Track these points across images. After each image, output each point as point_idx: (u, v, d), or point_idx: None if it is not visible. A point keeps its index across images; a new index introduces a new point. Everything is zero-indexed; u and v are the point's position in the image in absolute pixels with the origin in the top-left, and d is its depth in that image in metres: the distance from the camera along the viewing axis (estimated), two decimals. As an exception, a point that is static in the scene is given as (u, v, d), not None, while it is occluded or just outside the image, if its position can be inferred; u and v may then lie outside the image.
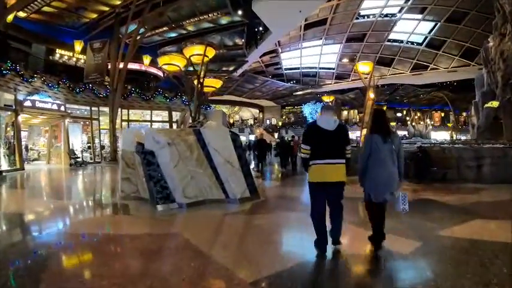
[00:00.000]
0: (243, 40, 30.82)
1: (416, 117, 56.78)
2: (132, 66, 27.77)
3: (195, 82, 17.13)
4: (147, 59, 30.09)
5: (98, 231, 5.93)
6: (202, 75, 16.75)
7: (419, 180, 11.45)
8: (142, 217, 7.02)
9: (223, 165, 7.80)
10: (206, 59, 16.00)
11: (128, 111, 26.81)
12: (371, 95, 16.03)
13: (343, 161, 4.35)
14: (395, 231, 5.39)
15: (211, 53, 16.11)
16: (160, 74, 31.42)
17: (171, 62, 16.35)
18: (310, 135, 4.38)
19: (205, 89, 18.26)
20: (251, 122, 63.81)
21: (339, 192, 4.47)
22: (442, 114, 59.84)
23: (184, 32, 29.68)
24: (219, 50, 17.08)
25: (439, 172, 12.00)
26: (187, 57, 15.90)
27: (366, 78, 17.77)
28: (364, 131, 15.68)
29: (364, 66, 16.98)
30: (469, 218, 6.43)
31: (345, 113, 60.92)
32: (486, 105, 21.15)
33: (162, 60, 16.60)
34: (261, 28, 30.20)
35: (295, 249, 4.87)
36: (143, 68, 31.23)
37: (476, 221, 6.33)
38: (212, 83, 19.34)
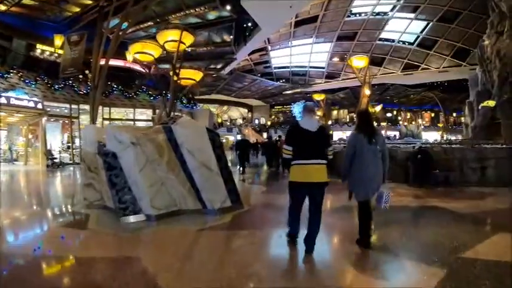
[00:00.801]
0: (231, 37, 29.61)
1: (407, 117, 56.49)
2: (116, 62, 26.42)
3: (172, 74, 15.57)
4: (130, 55, 28.65)
5: (34, 251, 4.60)
6: (177, 65, 15.29)
7: (420, 184, 10.52)
8: (99, 233, 5.72)
9: (199, 170, 6.58)
10: (182, 46, 14.55)
11: (110, 110, 25.52)
12: (366, 91, 14.94)
13: (325, 161, 4.41)
14: (410, 253, 4.51)
15: (188, 39, 14.75)
16: (145, 71, 30.13)
17: (144, 51, 14.93)
18: (292, 136, 4.48)
19: (183, 82, 16.72)
20: (240, 121, 62.78)
21: (320, 193, 4.46)
22: (432, 115, 60.17)
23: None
24: (196, 36, 15.46)
25: (441, 175, 11.08)
26: (161, 44, 14.48)
27: (361, 74, 16.66)
28: None
29: (358, 61, 15.89)
30: (490, 232, 5.56)
31: (334, 112, 60.40)
32: (482, 104, 20.62)
33: (133, 49, 15.21)
34: (250, 24, 29.02)
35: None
36: (127, 65, 29.80)
37: (500, 235, 5.35)
38: (190, 75, 17.26)
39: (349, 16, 34.80)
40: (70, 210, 7.84)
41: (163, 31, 14.56)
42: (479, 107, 20.78)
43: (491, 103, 19.89)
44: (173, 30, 14.41)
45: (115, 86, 25.40)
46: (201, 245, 5.20)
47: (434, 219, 6.53)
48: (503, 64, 19.01)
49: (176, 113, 14.95)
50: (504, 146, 12.69)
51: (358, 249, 4.69)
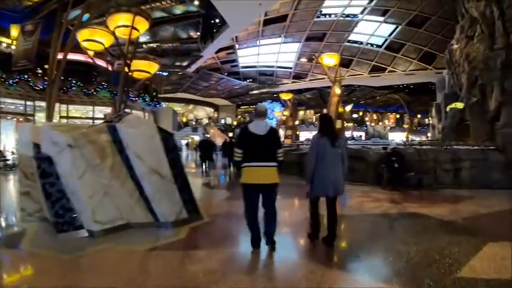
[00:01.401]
0: (198, 33, 28.63)
1: (374, 118, 57.43)
2: (76, 56, 24.85)
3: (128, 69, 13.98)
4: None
5: None
6: (129, 55, 13.65)
7: (393, 188, 10.02)
8: (32, 254, 4.64)
9: (148, 177, 5.52)
10: (136, 33, 13.05)
11: (68, 107, 23.97)
12: (337, 90, 14.43)
13: (275, 164, 4.48)
14: (400, 273, 3.85)
15: (142, 25, 13.15)
16: (109, 66, 28.65)
17: (93, 38, 13.19)
18: (242, 139, 4.58)
19: (136, 74, 15.05)
20: (206, 121, 61.76)
21: (272, 194, 4.55)
22: (397, 116, 61.57)
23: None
24: (152, 22, 14.08)
25: (414, 177, 10.66)
26: (112, 29, 12.84)
27: (331, 73, 16.15)
28: None
29: (329, 59, 15.33)
30: (480, 242, 4.96)
31: (301, 113, 60.49)
32: (450, 106, 20.92)
33: (81, 36, 13.40)
34: (217, 21, 28.12)
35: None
36: (89, 60, 28.06)
37: (490, 245, 4.85)
38: (144, 66, 15.44)
39: (319, 17, 34.69)
40: (3, 224, 6.66)
41: (113, 15, 12.69)
42: (448, 109, 21.05)
43: (459, 105, 20.20)
44: (125, 14, 12.56)
45: (74, 81, 23.84)
46: (148, 272, 4.05)
47: (418, 229, 5.93)
48: (471, 67, 19.35)
49: (126, 110, 13.45)
50: (477, 147, 12.62)
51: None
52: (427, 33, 35.68)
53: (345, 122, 58.81)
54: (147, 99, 25.47)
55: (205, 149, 16.25)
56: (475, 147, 12.54)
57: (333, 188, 4.70)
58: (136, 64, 14.50)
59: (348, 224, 6.23)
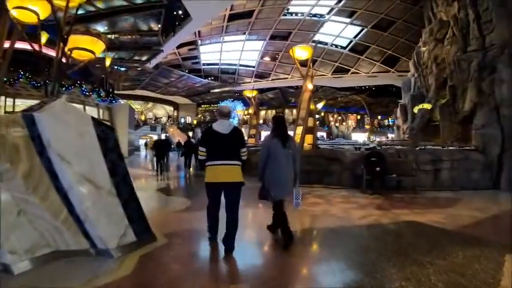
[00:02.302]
0: (159, 25, 26.66)
1: (339, 118, 58.04)
2: (25, 46, 22.70)
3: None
4: (44, 37, 24.61)
5: None
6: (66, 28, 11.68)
7: (374, 191, 9.24)
8: None
9: (79, 187, 3.94)
10: (73, 2, 11.34)
11: (14, 101, 21.75)
12: (309, 85, 13.45)
13: (238, 162, 4.49)
14: None
15: None
16: (63, 59, 26.51)
17: (24, 5, 11.02)
18: (206, 138, 4.55)
19: (76, 55, 12.94)
20: (165, 120, 59.79)
21: (235, 192, 4.51)
22: (358, 117, 62.30)
23: (92, 9, 24.95)
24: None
25: (393, 179, 9.93)
26: None
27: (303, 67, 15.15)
28: (299, 129, 13.18)
29: (301, 51, 14.25)
30: (497, 255, 4.35)
31: (262, 112, 59.80)
32: (418, 107, 21.19)
33: (10, 3, 11.08)
34: (180, 12, 26.60)
35: None
36: (43, 50, 25.66)
37: (509, 258, 4.21)
38: (86, 44, 13.26)
39: (285, 15, 34.01)
40: None
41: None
42: (416, 110, 21.30)
43: (427, 106, 20.50)
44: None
45: (21, 73, 21.67)
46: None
47: (424, 243, 4.96)
48: (440, 69, 19.64)
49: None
50: (458, 147, 12.41)
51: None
52: (392, 37, 36.15)
53: (316, 121, 59.10)
54: (102, 94, 23.55)
55: (161, 148, 15.78)
56: (458, 148, 12.31)
57: (287, 188, 4.83)
58: (76, 40, 12.36)
59: (341, 241, 5.12)
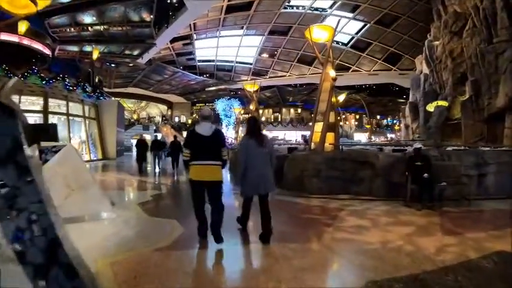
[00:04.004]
0: (151, 16, 24.83)
1: (343, 117, 57.08)
2: (6, 37, 20.76)
3: None
4: (23, 25, 22.46)
5: None
6: None
7: (424, 205, 7.38)
8: None
9: None
10: None
11: (-10, 95, 19.54)
12: (331, 72, 11.41)
13: (219, 162, 4.78)
14: None
15: None
16: (48, 52, 24.43)
17: None
18: (189, 140, 4.87)
19: (7, 4, 10.65)
20: (159, 119, 57.78)
21: (217, 191, 4.82)
22: (357, 117, 60.98)
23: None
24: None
25: (438, 187, 7.96)
26: None
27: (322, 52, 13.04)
28: (319, 126, 11.19)
29: (320, 32, 12.08)
30: None
31: (259, 111, 58.17)
32: (433, 104, 20.12)
33: None
34: (174, 1, 24.74)
35: None
36: (25, 42, 23.44)
37: None
38: None
39: (286, 7, 32.46)
40: None
41: None
42: (432, 108, 20.19)
43: (442, 103, 19.52)
44: None
45: None
46: None
47: None
48: (456, 64, 18.83)
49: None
50: (505, 148, 10.98)
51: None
52: (395, 33, 35.03)
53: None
54: (88, 89, 21.39)
55: (140, 148, 15.51)
56: (504, 149, 10.80)
57: (263, 186, 4.92)
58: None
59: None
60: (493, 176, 9.08)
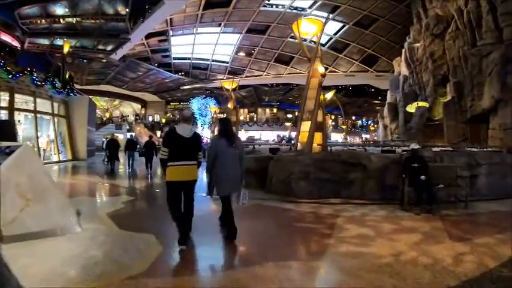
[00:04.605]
0: (127, 9, 23.70)
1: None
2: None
3: None
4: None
5: None
6: None
7: (422, 208, 6.99)
8: None
9: None
10: None
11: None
12: (320, 68, 10.90)
13: (195, 162, 4.99)
14: None
15: None
16: (17, 44, 23.10)
17: None
18: (169, 139, 4.92)
19: None
20: (132, 118, 56.18)
21: (191, 189, 5.07)
22: (333, 117, 61.03)
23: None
24: None
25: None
26: None
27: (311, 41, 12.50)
28: (306, 125, 10.59)
29: (309, 25, 11.52)
30: None
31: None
32: (413, 105, 20.51)
33: None
34: (151, -7, 23.82)
35: None
36: None
37: None
38: None
39: (265, 6, 32.07)
40: None
41: None
42: (414, 108, 20.46)
43: (423, 104, 19.78)
44: None
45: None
46: None
47: None
48: (437, 66, 19.13)
49: None
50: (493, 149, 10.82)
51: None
52: (373, 35, 35.35)
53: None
54: (57, 85, 20.11)
55: (115, 149, 15.66)
56: (495, 150, 10.78)
57: (234, 185, 5.10)
58: None
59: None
60: (485, 177, 8.92)
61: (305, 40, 36.78)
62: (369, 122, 61.18)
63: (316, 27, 11.28)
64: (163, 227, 5.54)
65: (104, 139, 20.27)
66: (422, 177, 7.16)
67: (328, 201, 8.04)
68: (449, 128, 16.70)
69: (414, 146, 7.99)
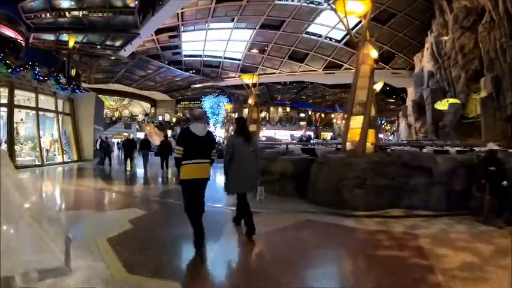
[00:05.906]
0: (136, 1, 22.55)
1: (339, 116, 56.88)
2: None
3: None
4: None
5: None
6: None
7: (508, 220, 5.78)
8: None
9: None
10: None
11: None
12: (372, 52, 9.13)
13: (209, 161, 5.04)
14: None
15: None
16: (22, 40, 21.86)
17: None
18: (184, 138, 4.98)
19: None
20: (141, 117, 55.26)
21: (203, 186, 5.03)
22: (345, 116, 59.03)
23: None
24: None
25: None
26: None
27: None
28: (357, 121, 8.68)
29: (355, 3, 9.60)
30: None
31: (245, 110, 56.54)
32: (440, 103, 19.57)
33: None
34: (162, -16, 22.47)
35: None
36: None
37: None
38: None
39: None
40: None
41: None
42: (447, 105, 19.19)
43: (454, 101, 18.79)
44: None
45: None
46: None
47: None
48: (468, 60, 18.20)
49: None
50: None
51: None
52: (390, 31, 33.67)
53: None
54: (61, 80, 18.77)
55: (130, 149, 15.68)
56: None
57: (248, 184, 5.34)
58: None
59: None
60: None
61: (320, 36, 35.72)
62: (383, 122, 59.40)
63: (364, 6, 9.45)
64: (191, 265, 4.00)
65: (98, 138, 18.90)
66: (505, 182, 5.91)
67: (388, 213, 6.67)
68: (488, 126, 15.73)
69: (492, 146, 6.51)
